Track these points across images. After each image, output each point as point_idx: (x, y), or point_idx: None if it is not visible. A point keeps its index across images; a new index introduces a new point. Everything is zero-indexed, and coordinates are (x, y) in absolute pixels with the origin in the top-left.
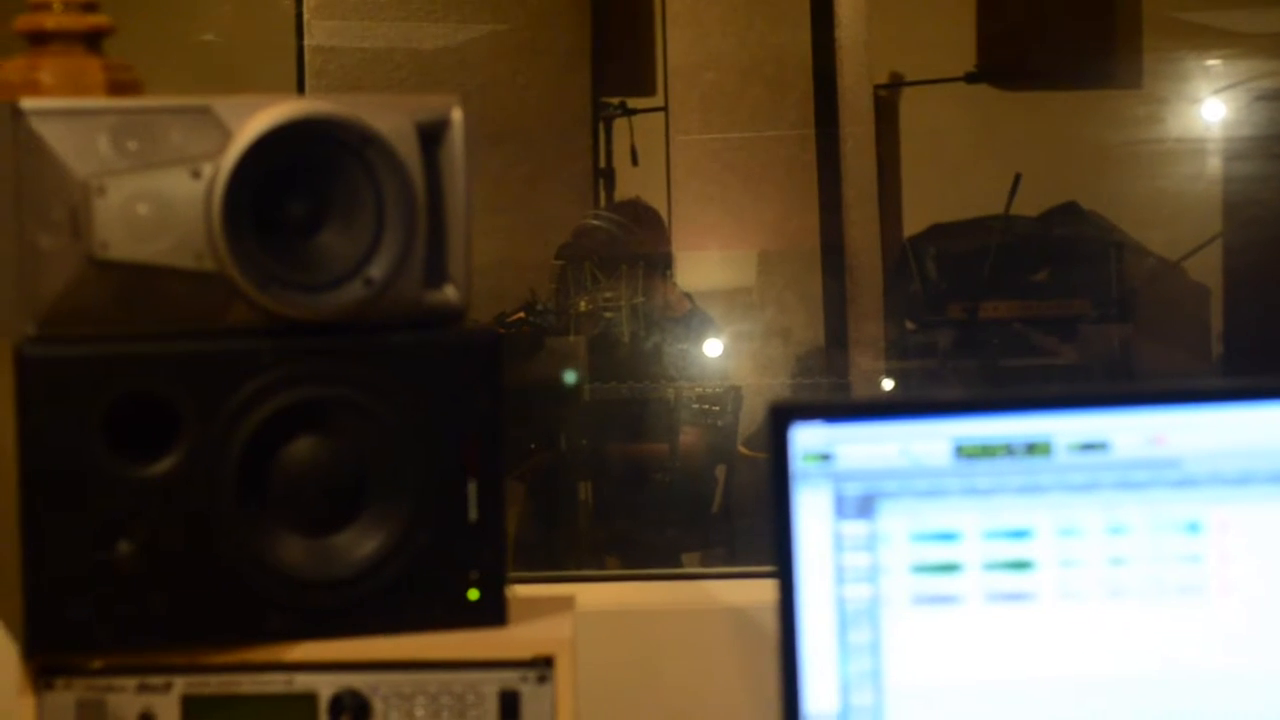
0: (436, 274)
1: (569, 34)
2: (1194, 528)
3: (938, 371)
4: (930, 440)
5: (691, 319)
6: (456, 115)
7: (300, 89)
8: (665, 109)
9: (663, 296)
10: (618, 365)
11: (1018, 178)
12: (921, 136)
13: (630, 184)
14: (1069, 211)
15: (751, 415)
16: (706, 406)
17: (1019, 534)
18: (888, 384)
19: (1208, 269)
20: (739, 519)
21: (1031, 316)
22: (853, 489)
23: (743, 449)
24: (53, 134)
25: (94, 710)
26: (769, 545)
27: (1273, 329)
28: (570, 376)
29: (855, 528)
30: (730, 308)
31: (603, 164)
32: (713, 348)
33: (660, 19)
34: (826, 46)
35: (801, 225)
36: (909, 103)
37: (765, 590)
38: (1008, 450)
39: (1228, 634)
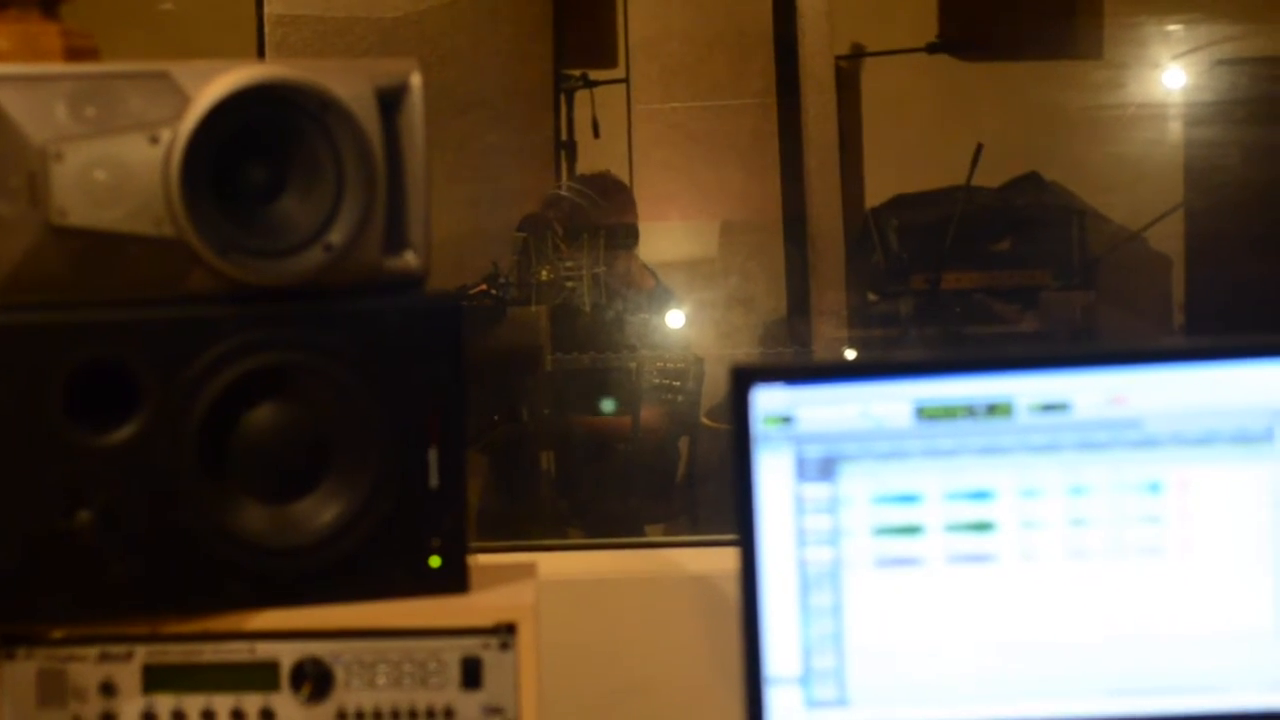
0: (396, 240)
1: (530, 5)
2: (1155, 488)
3: (900, 339)
4: (891, 402)
5: (655, 293)
6: (415, 80)
7: (260, 58)
8: (627, 80)
9: (626, 270)
10: (579, 335)
11: (979, 148)
12: (883, 107)
13: (592, 156)
14: (1030, 181)
15: (714, 387)
16: (668, 381)
17: (980, 495)
18: (850, 353)
19: (1172, 235)
20: (702, 490)
21: (993, 286)
22: (814, 451)
23: (706, 420)
24: (9, 100)
25: (55, 680)
26: (732, 515)
27: (1234, 296)
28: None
29: (817, 490)
30: (693, 278)
31: (564, 136)
32: (675, 318)
33: None
34: (788, 17)
35: (763, 195)
36: (870, 73)
37: (727, 558)
38: (969, 411)
39: (1188, 594)
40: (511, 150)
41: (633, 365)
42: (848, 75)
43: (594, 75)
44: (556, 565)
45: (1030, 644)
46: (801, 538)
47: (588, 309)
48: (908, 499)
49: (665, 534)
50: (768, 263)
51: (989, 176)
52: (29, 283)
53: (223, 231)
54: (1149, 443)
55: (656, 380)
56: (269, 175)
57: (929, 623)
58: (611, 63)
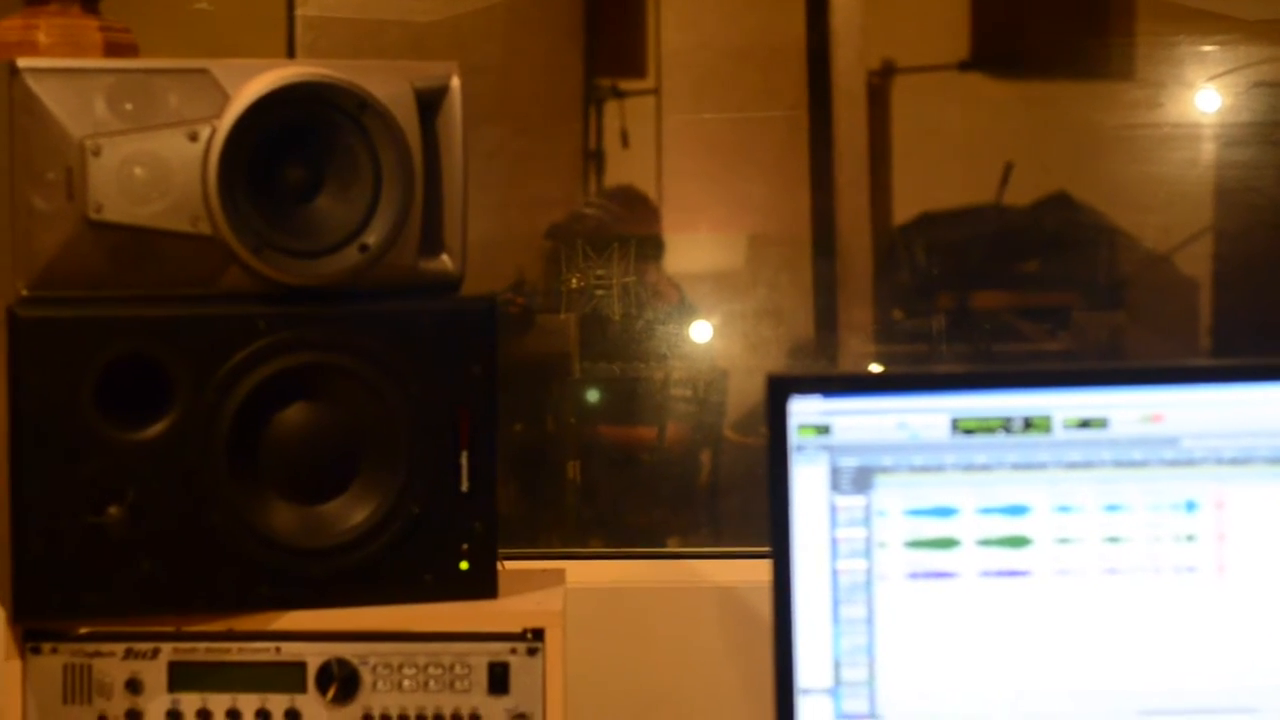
0: (432, 242)
1: (562, 15)
2: (1190, 506)
3: (929, 357)
4: (928, 414)
5: (679, 308)
6: (455, 83)
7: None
8: (657, 91)
9: (654, 282)
10: (608, 344)
11: (1009, 167)
12: (913, 124)
13: (620, 166)
14: (1060, 202)
15: (740, 399)
16: (691, 392)
17: (1015, 510)
18: (876, 369)
19: (1203, 256)
20: (724, 503)
21: (1021, 306)
22: (849, 462)
23: (730, 433)
24: (49, 93)
25: (80, 675)
26: (755, 530)
27: (1264, 320)
28: None
29: (851, 501)
30: (719, 290)
31: (593, 146)
32: (702, 331)
33: (654, 0)
34: (820, 31)
35: (792, 208)
36: (901, 90)
37: (753, 570)
38: (1005, 426)
39: (1221, 613)
40: (540, 158)
41: (660, 375)
42: (878, 91)
43: (623, 86)
44: (583, 573)
45: (1063, 661)
46: (835, 549)
47: (618, 318)
48: (942, 512)
49: (683, 546)
50: (796, 277)
51: (1019, 195)
52: (64, 277)
53: (259, 230)
54: (1185, 461)
55: (679, 391)
56: (306, 175)
57: (961, 637)
58: (641, 73)
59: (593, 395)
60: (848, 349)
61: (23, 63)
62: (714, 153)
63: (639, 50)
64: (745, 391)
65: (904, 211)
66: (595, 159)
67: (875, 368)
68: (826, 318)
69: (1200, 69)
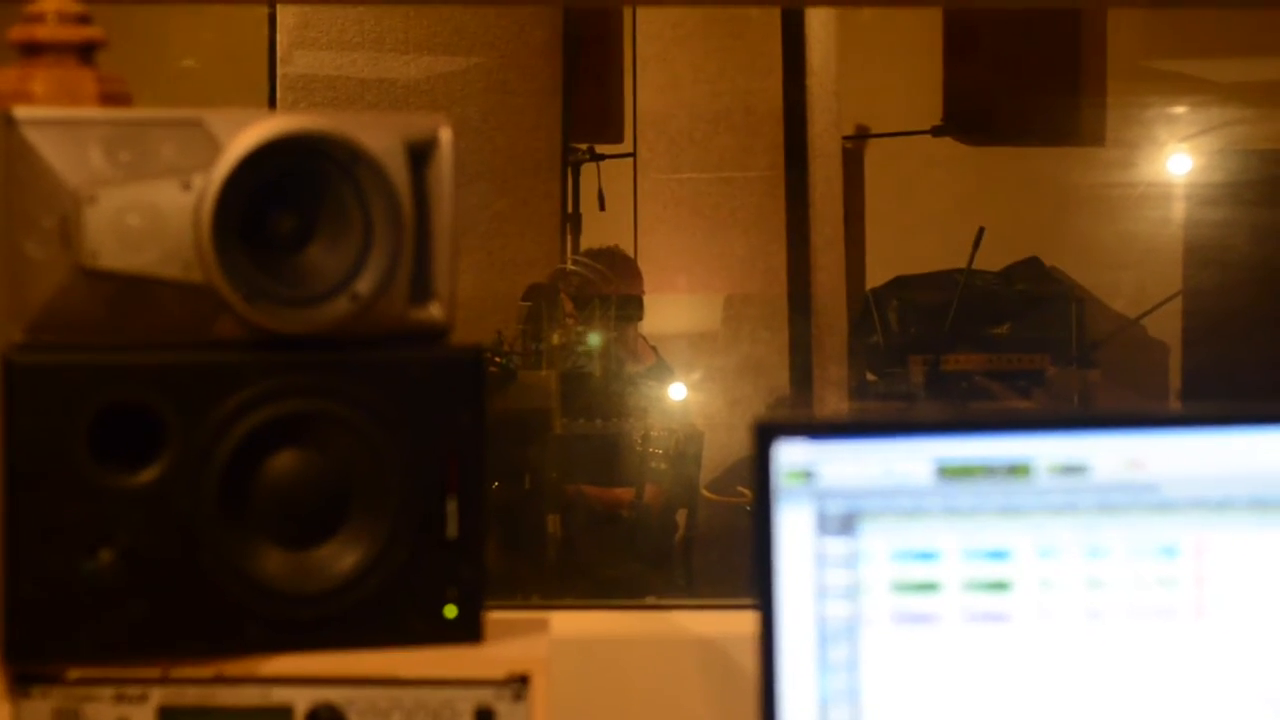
0: (422, 291)
1: (541, 78)
2: (1171, 551)
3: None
4: (912, 460)
5: (654, 369)
6: (445, 135)
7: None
8: (634, 155)
9: (633, 341)
10: (588, 401)
11: (980, 231)
12: (886, 189)
13: (597, 228)
14: (1030, 266)
15: (714, 461)
16: (665, 450)
17: (998, 554)
18: None
19: (1174, 314)
20: (699, 561)
21: (992, 369)
22: (835, 506)
23: (706, 493)
24: (44, 143)
25: (70, 719)
26: (732, 587)
27: (1233, 383)
28: None
29: (836, 545)
30: (695, 352)
31: (570, 208)
32: (678, 392)
33: (631, 65)
34: (797, 96)
35: (768, 269)
36: (874, 155)
37: (734, 622)
38: (988, 471)
39: (1203, 658)
40: (518, 220)
41: (639, 434)
42: (852, 156)
43: (601, 149)
44: (565, 625)
45: (1045, 703)
46: (821, 592)
47: (598, 375)
48: (927, 556)
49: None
50: (771, 337)
51: (992, 258)
52: (59, 323)
53: (251, 279)
54: (1166, 506)
55: (655, 449)
56: (298, 224)
57: (945, 680)
58: (618, 138)
59: (574, 451)
60: (825, 405)
61: (19, 112)
62: (691, 213)
63: (616, 115)
64: (724, 446)
65: (877, 272)
66: (572, 221)
67: None
68: (802, 376)
69: (1171, 130)
